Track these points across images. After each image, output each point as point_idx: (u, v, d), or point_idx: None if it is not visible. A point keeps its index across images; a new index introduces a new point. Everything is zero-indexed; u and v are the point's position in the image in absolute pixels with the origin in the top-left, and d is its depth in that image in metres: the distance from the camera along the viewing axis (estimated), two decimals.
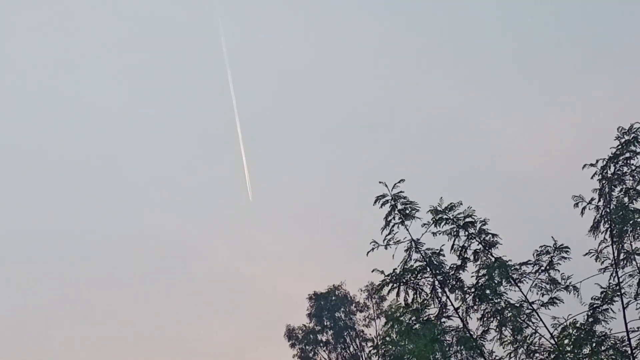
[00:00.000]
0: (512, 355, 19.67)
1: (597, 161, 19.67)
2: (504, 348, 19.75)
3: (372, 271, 19.57)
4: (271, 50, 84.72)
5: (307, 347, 51.15)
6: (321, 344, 51.41)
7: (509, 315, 19.38)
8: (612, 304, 19.13)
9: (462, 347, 19.71)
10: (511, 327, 19.43)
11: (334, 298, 52.02)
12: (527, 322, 19.48)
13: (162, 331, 74.08)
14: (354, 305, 52.38)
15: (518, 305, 19.37)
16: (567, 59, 74.91)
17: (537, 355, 19.50)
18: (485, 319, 19.58)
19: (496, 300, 19.40)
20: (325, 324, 51.62)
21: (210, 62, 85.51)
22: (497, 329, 19.54)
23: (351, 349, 51.57)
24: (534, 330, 19.50)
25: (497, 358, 19.75)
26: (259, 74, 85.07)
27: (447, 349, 19.86)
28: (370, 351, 48.76)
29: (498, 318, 19.43)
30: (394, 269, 19.44)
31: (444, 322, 19.78)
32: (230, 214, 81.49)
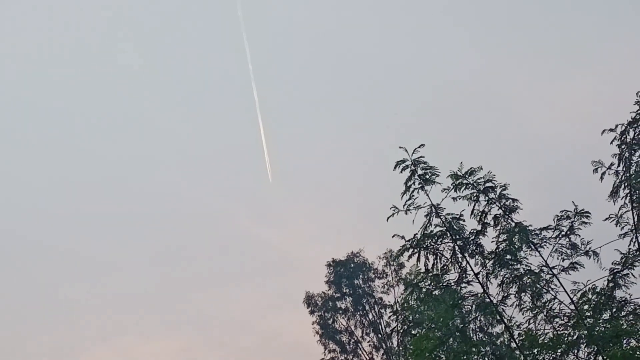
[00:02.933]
0: (532, 321, 19.64)
1: (616, 126, 19.54)
2: (522, 314, 19.76)
3: (393, 236, 19.59)
4: (288, 15, 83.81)
5: (326, 314, 51.31)
6: (340, 311, 51.58)
7: (528, 281, 19.34)
8: (633, 269, 19.07)
9: (482, 313, 19.72)
10: (530, 293, 19.39)
11: (352, 265, 52.07)
12: (547, 288, 19.43)
13: (181, 299, 74.58)
14: (372, 272, 52.42)
15: (537, 271, 19.30)
16: (589, 20, 73.72)
17: (557, 320, 19.50)
18: (504, 284, 19.54)
19: (516, 266, 19.36)
20: (344, 291, 51.72)
21: (226, 30, 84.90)
22: (517, 295, 19.51)
23: (370, 316, 51.73)
24: (553, 296, 19.45)
25: (517, 324, 19.75)
26: (275, 35, 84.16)
27: (466, 315, 19.86)
28: (389, 316, 48.86)
29: (517, 284, 19.40)
30: (414, 234, 19.44)
31: (464, 287, 19.77)
32: (249, 181, 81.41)
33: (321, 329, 51.19)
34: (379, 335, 51.15)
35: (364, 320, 51.60)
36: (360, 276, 51.86)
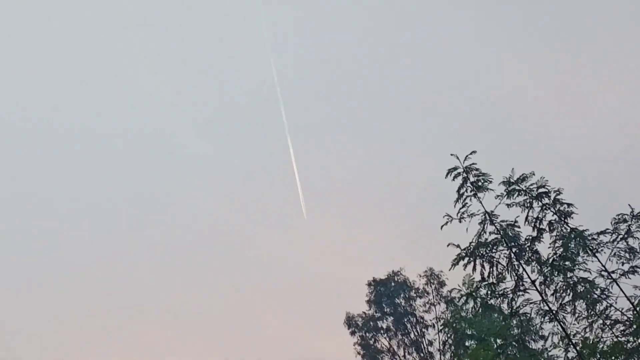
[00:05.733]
0: (588, 329, 19.26)
1: None
2: (578, 323, 19.39)
3: (447, 245, 19.39)
4: (312, 29, 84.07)
5: (367, 335, 50.84)
6: (381, 331, 51.04)
7: (582, 289, 19.00)
8: None
9: (541, 321, 19.38)
10: (585, 301, 19.03)
11: (393, 284, 51.61)
12: (603, 295, 19.07)
13: (218, 322, 74.48)
14: (413, 291, 51.93)
15: (592, 278, 18.97)
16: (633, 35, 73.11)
17: (617, 326, 19.09)
18: (558, 292, 19.22)
19: (569, 275, 19.03)
20: (385, 310, 51.21)
21: (254, 54, 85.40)
22: (571, 303, 19.17)
23: (412, 335, 51.13)
24: (609, 304, 19.06)
25: (573, 332, 19.38)
26: (302, 56, 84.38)
27: (524, 323, 19.54)
28: (440, 329, 48.23)
29: (572, 291, 19.06)
30: (469, 243, 19.21)
31: (521, 295, 19.46)
32: (282, 202, 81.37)
33: (362, 349, 50.66)
34: (422, 354, 50.54)
35: (406, 339, 50.99)
36: (401, 295, 51.37)
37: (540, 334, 20.02)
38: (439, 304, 51.00)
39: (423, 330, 51.49)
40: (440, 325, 47.29)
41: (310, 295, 73.50)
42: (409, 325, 51.46)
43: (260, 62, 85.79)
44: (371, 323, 51.29)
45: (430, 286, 51.69)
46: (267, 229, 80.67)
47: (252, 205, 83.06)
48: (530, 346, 19.85)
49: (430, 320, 51.10)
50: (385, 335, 51.41)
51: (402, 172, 74.96)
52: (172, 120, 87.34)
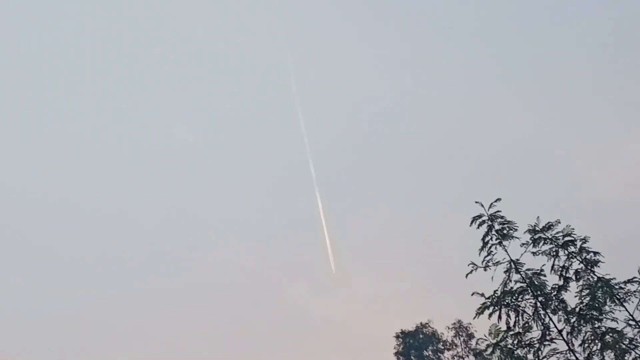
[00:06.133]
0: None
1: None
2: None
3: (472, 294, 19.20)
4: (340, 84, 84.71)
5: None
6: None
7: (610, 340, 18.70)
8: None
9: None
10: (613, 352, 18.72)
11: (421, 336, 51.25)
12: (630, 345, 18.76)
13: None
14: (441, 343, 51.47)
15: (620, 328, 18.69)
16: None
17: None
18: (586, 342, 18.92)
19: (597, 324, 18.76)
20: None
21: (281, 102, 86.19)
22: (599, 354, 18.86)
23: None
24: (638, 355, 18.74)
25: None
26: (329, 111, 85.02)
27: None
28: None
29: (599, 342, 18.77)
30: (494, 291, 19.04)
31: (547, 345, 19.18)
32: (309, 254, 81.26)
33: None
34: None
35: None
36: (430, 347, 50.92)
37: None
38: (468, 356, 50.56)
39: None
40: None
41: (341, 349, 72.83)
42: None
43: (289, 113, 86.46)
44: None
45: (459, 338, 51.30)
46: (296, 281, 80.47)
47: (282, 257, 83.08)
48: None
49: None
50: None
51: (429, 224, 74.68)
52: (202, 167, 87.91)
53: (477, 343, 48.13)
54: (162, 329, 76.34)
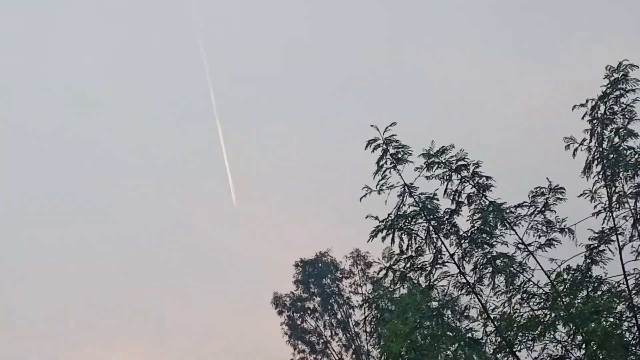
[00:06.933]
0: (507, 304, 19.34)
1: (587, 101, 19.25)
2: (497, 297, 19.45)
3: (366, 217, 19.15)
4: (241, 9, 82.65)
5: (294, 315, 50.94)
6: (308, 312, 51.22)
7: (501, 264, 19.04)
8: (610, 244, 18.82)
9: (458, 295, 19.37)
10: (504, 275, 19.09)
11: (320, 265, 51.74)
12: (521, 269, 19.15)
13: (141, 306, 73.14)
14: (340, 272, 52.13)
15: (511, 253, 19.04)
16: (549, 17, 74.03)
17: (533, 300, 19.22)
18: (478, 267, 19.23)
19: (488, 249, 19.05)
20: (313, 291, 51.39)
21: (181, 32, 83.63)
22: (490, 278, 19.20)
23: (339, 316, 51.44)
24: (527, 278, 19.16)
25: (491, 307, 19.43)
26: (230, 37, 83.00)
27: (443, 297, 19.48)
28: (362, 304, 48.24)
29: (489, 267, 19.09)
30: (388, 214, 19.04)
31: (439, 268, 19.41)
32: (210, 185, 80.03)
33: (290, 329, 50.80)
34: (348, 335, 50.86)
35: (333, 320, 51.31)
36: (329, 276, 51.54)
37: (459, 308, 20.02)
38: (365, 284, 51.36)
39: (349, 311, 51.83)
40: (362, 302, 47.49)
41: (242, 279, 72.69)
42: (335, 306, 51.78)
43: (188, 40, 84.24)
44: (298, 303, 51.46)
45: (357, 267, 51.99)
46: (198, 213, 79.50)
47: (183, 189, 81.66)
48: (449, 320, 19.73)
49: (357, 301, 51.43)
50: (312, 315, 51.61)
51: (331, 152, 74.80)
52: (100, 102, 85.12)
53: (375, 273, 48.87)
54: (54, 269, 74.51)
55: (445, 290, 19.53)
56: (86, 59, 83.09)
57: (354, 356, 50.09)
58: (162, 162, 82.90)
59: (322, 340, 50.64)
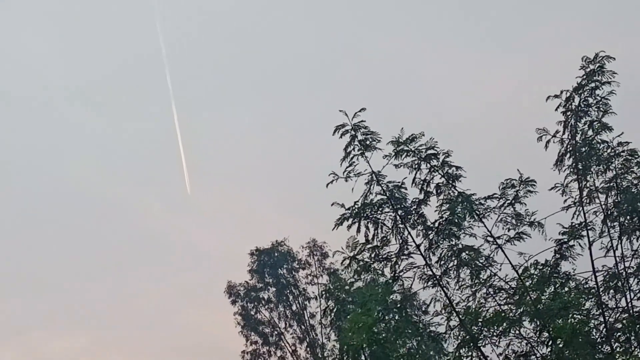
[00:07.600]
0: (471, 298, 18.96)
1: (561, 92, 18.89)
2: (462, 292, 19.04)
3: (332, 204, 18.54)
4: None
5: (248, 305, 50.26)
6: (263, 302, 50.56)
7: (467, 257, 18.61)
8: (580, 239, 18.51)
9: (425, 286, 18.89)
10: (469, 269, 18.66)
11: (276, 254, 51.04)
12: (487, 263, 18.74)
13: (90, 294, 71.74)
14: (296, 262, 51.55)
15: (477, 247, 18.61)
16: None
17: (500, 293, 18.85)
18: (443, 259, 18.77)
19: (455, 242, 18.58)
20: (268, 281, 50.70)
21: (139, 13, 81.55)
22: (455, 271, 18.77)
23: (294, 307, 50.89)
24: (494, 273, 18.77)
25: (457, 301, 19.03)
26: (190, 21, 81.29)
27: (408, 288, 18.99)
28: (320, 294, 47.72)
29: (455, 260, 18.65)
30: (355, 202, 18.45)
31: (405, 259, 18.89)
32: (163, 171, 78.55)
33: (243, 319, 50.11)
34: (303, 327, 50.34)
35: (288, 311, 50.74)
36: (284, 266, 50.90)
37: (419, 302, 19.61)
38: (322, 275, 50.95)
39: (305, 302, 51.40)
40: (321, 293, 47.03)
41: (194, 265, 71.74)
42: (291, 297, 51.27)
43: (146, 21, 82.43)
44: (253, 293, 50.82)
45: (313, 258, 51.51)
46: (149, 199, 77.99)
47: (134, 176, 79.93)
48: (412, 313, 19.26)
49: (313, 293, 51.01)
50: (267, 306, 51.06)
51: (292, 140, 73.97)
52: (45, 83, 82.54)
53: (332, 264, 48.48)
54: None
55: (410, 283, 19.04)
56: (34, 36, 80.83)
57: (308, 349, 49.59)
58: (110, 143, 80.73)
59: (276, 332, 50.04)
